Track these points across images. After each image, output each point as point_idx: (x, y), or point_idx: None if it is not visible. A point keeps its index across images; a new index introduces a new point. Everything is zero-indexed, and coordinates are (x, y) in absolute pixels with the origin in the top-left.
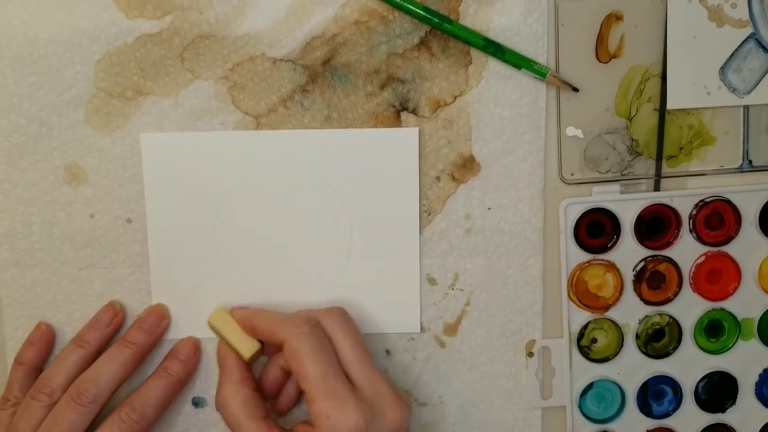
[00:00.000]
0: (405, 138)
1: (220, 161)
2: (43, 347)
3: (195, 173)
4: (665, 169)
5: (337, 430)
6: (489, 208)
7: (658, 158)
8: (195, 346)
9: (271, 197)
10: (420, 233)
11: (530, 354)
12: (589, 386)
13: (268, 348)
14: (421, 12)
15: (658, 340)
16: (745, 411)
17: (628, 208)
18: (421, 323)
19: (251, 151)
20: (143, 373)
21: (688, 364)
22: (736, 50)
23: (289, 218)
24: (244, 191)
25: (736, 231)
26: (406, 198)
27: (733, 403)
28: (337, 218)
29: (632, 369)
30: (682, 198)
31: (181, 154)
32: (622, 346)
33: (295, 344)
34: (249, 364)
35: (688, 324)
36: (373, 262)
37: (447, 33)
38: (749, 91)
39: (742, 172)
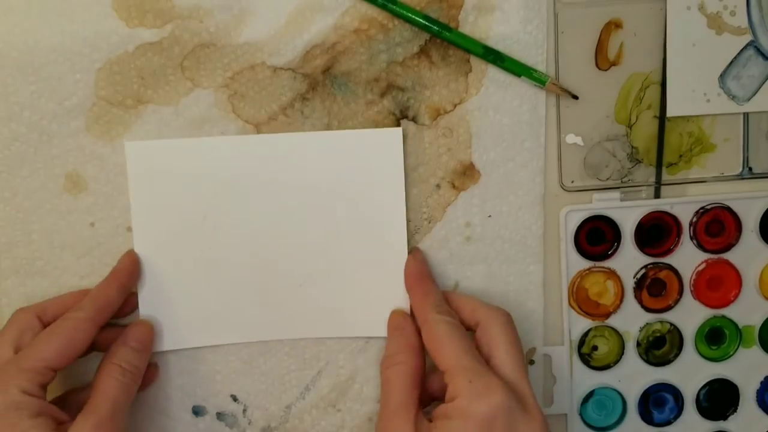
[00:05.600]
0: (388, 139)
1: (204, 168)
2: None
3: (179, 181)
4: (665, 177)
5: (480, 395)
6: (489, 216)
7: (658, 165)
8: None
9: (257, 202)
10: (411, 238)
11: (531, 362)
12: (590, 394)
13: None
14: (421, 20)
15: (659, 347)
16: (746, 419)
17: (628, 216)
18: None
19: (236, 157)
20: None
21: (689, 372)
22: (735, 57)
23: (277, 223)
24: (229, 196)
25: (737, 238)
26: (393, 201)
27: (735, 410)
28: (326, 223)
29: (633, 376)
30: (683, 205)
31: (167, 161)
32: (622, 353)
33: (435, 330)
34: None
35: (689, 331)
36: (364, 268)
37: (447, 41)
38: (749, 99)
39: (743, 179)
